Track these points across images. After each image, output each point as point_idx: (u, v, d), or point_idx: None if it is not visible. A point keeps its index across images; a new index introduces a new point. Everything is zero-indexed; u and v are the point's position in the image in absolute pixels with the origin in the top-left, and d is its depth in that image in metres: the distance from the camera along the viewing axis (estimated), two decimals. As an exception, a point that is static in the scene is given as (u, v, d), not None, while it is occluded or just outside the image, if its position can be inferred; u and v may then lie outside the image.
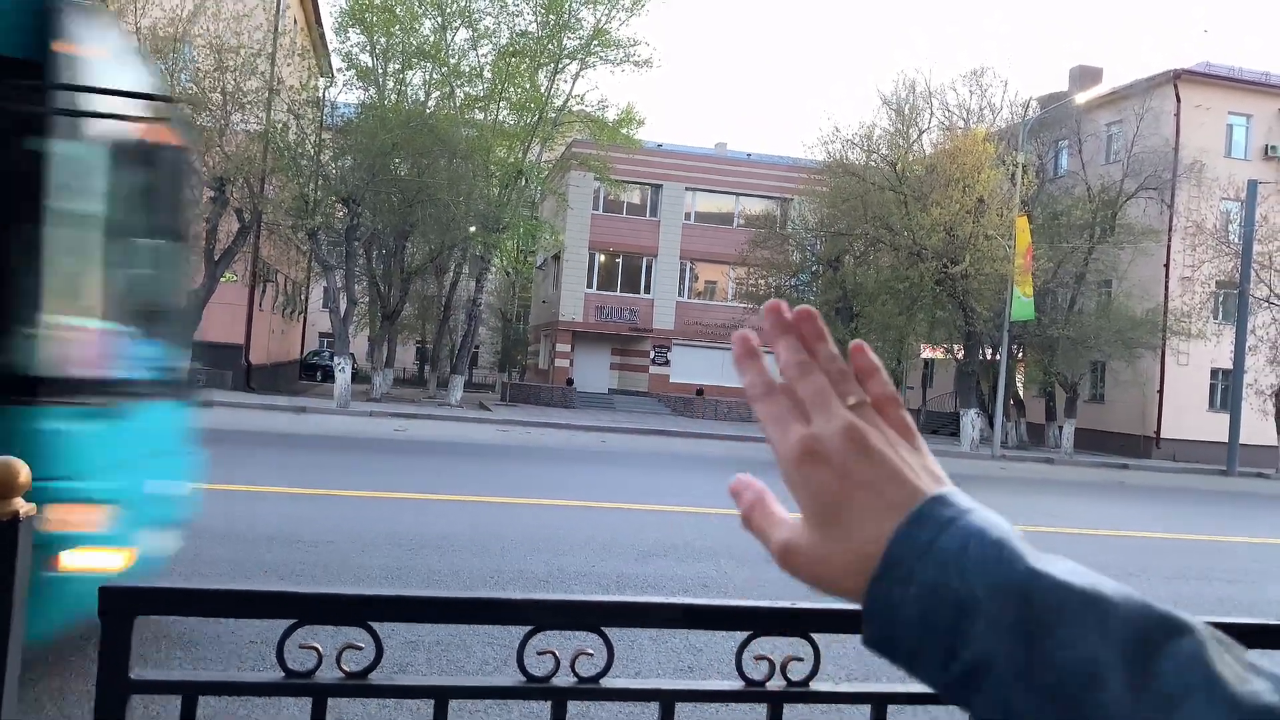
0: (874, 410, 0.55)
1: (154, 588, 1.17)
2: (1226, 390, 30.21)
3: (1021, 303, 25.23)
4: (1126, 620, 0.45)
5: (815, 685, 1.26)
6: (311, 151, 25.89)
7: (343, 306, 25.86)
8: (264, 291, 30.75)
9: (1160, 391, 31.49)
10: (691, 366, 39.14)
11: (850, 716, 4.20)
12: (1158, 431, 31.51)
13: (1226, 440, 27.56)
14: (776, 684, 1.25)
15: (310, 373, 45.21)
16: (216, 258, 22.80)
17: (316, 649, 1.18)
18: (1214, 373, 31.97)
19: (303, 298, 42.25)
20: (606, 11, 29.60)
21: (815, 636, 1.23)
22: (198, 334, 22.93)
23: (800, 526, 0.54)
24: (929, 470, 0.54)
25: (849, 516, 0.52)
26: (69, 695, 3.97)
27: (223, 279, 23.83)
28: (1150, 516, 14.32)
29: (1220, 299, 31.15)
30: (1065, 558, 0.49)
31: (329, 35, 32.54)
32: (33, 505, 1.32)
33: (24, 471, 1.28)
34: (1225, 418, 28.45)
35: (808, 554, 0.54)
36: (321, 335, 50.51)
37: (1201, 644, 0.45)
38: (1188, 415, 31.53)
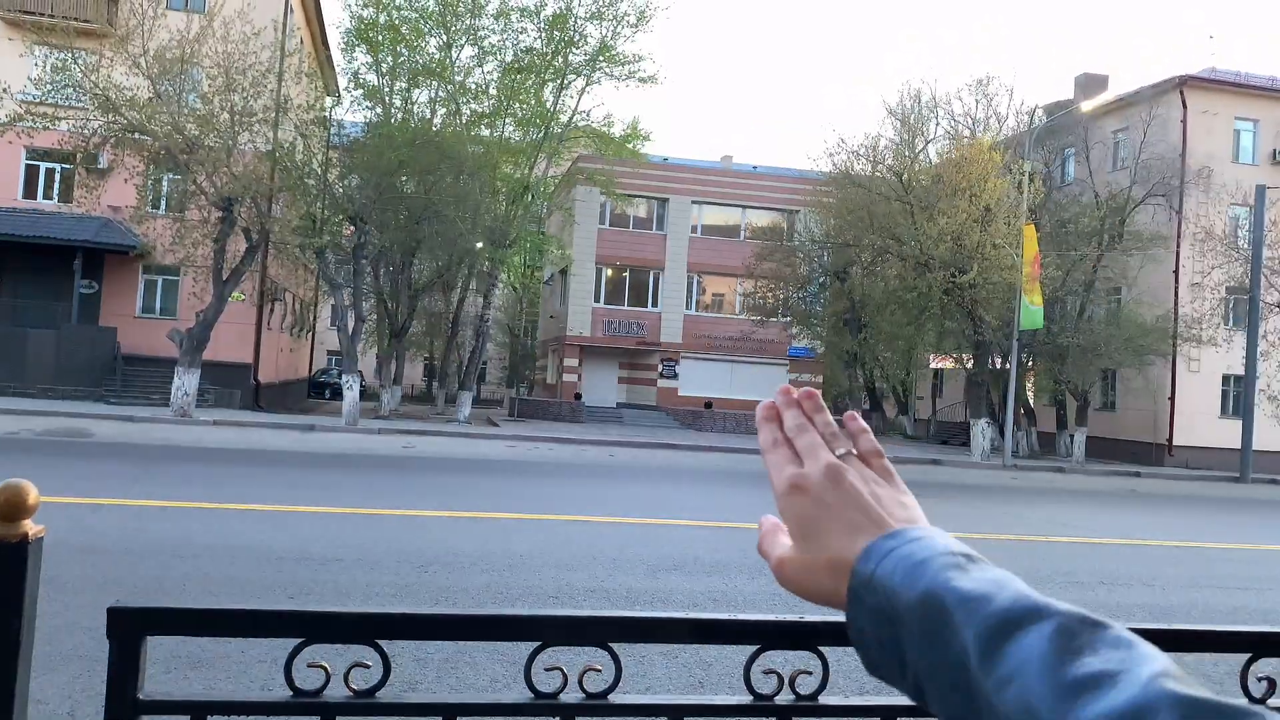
0: (860, 460, 0.68)
1: (162, 608, 1.18)
2: (1239, 396, 30.03)
3: (1030, 311, 25.16)
4: (990, 614, 0.52)
5: (824, 699, 1.25)
6: (319, 170, 26.05)
7: (350, 324, 25.93)
8: (272, 310, 30.87)
9: (1172, 399, 31.34)
10: (700, 379, 39.11)
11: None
12: (1170, 439, 31.35)
13: (1239, 447, 27.39)
14: (785, 698, 1.25)
15: (319, 391, 45.34)
16: (225, 277, 22.91)
17: (324, 668, 1.18)
18: (1226, 379, 31.81)
19: (311, 316, 42.39)
20: (611, 28, 29.75)
21: (824, 650, 1.23)
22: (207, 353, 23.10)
23: (791, 546, 0.67)
24: (900, 503, 0.66)
25: (823, 534, 0.64)
26: (79, 717, 3.97)
27: (231, 298, 23.94)
28: (1163, 524, 14.23)
29: (1231, 305, 31.04)
30: (991, 566, 0.57)
31: (335, 55, 32.83)
32: (42, 527, 1.32)
33: (33, 493, 1.28)
34: (1238, 424, 28.28)
35: (792, 565, 0.66)
36: (330, 353, 50.66)
37: (1056, 628, 0.50)
38: (1200, 422, 31.36)
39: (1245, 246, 29.20)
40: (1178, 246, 30.82)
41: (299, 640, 1.17)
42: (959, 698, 0.52)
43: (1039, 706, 0.47)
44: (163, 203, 25.59)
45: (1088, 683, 0.46)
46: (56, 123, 21.55)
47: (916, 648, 0.55)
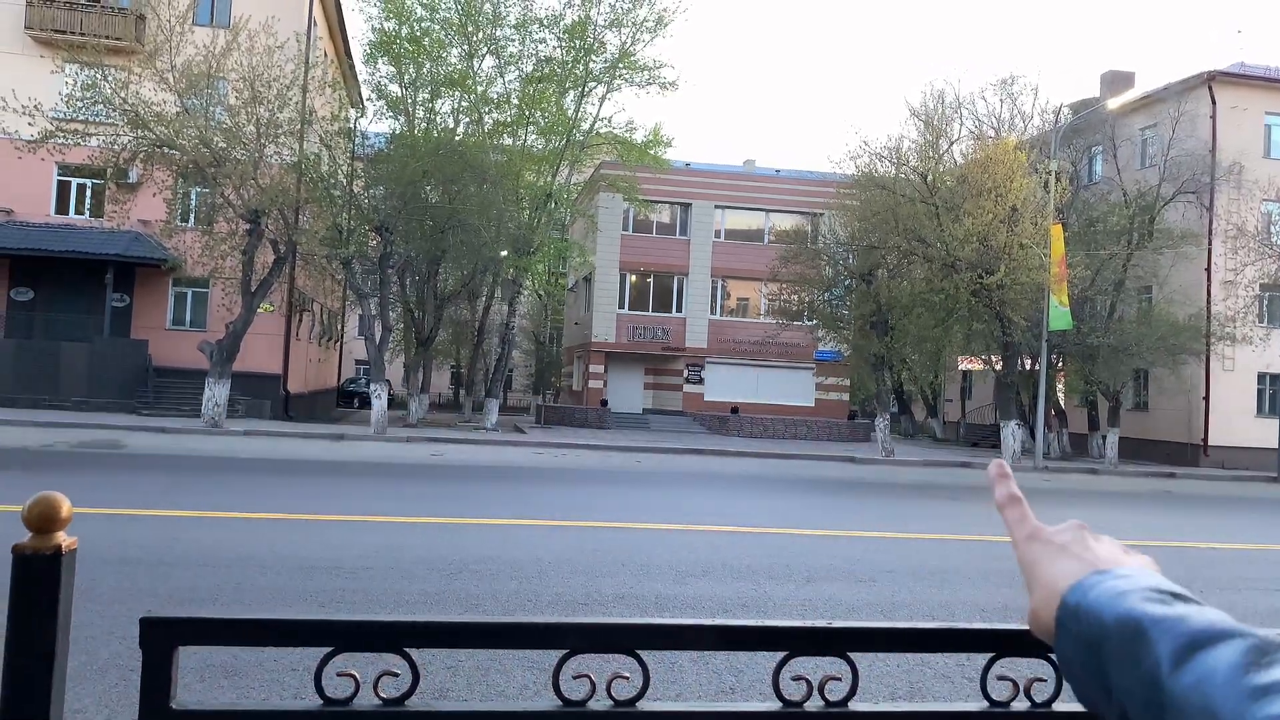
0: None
1: (194, 618, 1.18)
2: (1275, 395, 29.58)
3: (1058, 312, 24.91)
4: (1184, 631, 0.55)
5: (854, 705, 1.24)
6: (344, 181, 26.29)
7: (378, 334, 26.12)
8: (300, 321, 31.17)
9: (1206, 398, 30.89)
10: (725, 384, 39.03)
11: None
12: (1205, 439, 30.89)
13: (1277, 446, 26.96)
14: (814, 704, 1.23)
15: (348, 400, 45.71)
16: (253, 289, 23.15)
17: (354, 677, 1.18)
18: (1261, 377, 31.33)
19: (339, 326, 42.74)
20: (631, 34, 29.81)
21: (853, 656, 1.22)
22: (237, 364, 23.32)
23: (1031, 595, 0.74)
24: (1124, 551, 0.73)
25: (1043, 571, 0.72)
26: (116, 725, 4.01)
27: (260, 310, 24.18)
28: (1200, 526, 14.02)
29: (1265, 302, 30.57)
30: (1198, 602, 0.59)
31: (358, 66, 33.10)
32: (74, 539, 1.34)
33: (65, 505, 1.30)
34: (1275, 423, 27.85)
35: (1031, 611, 0.73)
36: (358, 363, 51.03)
37: (1250, 646, 0.51)
38: (1236, 421, 30.88)
39: (1279, 243, 28.76)
40: (1209, 244, 30.40)
41: (329, 649, 1.18)
42: (1151, 716, 0.53)
43: (1220, 707, 0.48)
44: (191, 216, 25.91)
45: (1271, 689, 0.47)
46: (87, 139, 21.90)
47: (1115, 669, 0.58)
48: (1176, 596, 0.60)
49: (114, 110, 21.90)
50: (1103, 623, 0.60)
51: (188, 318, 28.83)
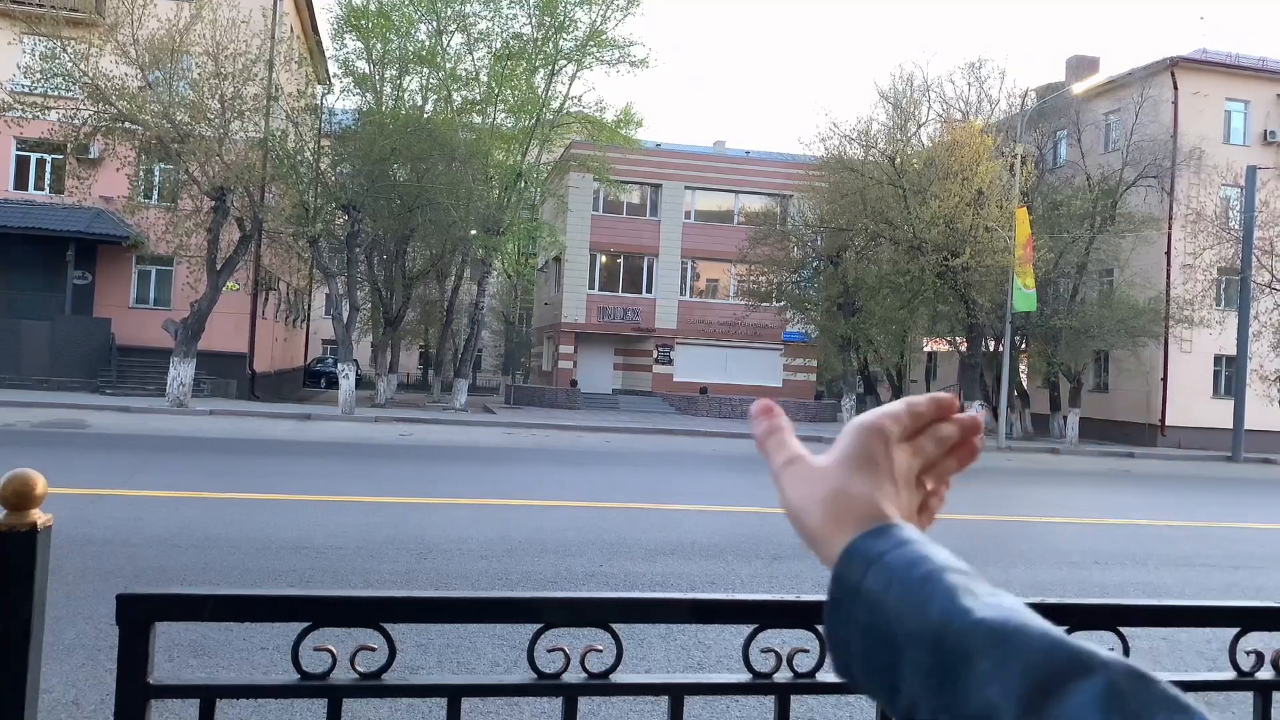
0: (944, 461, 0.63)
1: (170, 594, 1.20)
2: (1231, 377, 30.17)
3: (1023, 294, 25.21)
4: (1029, 664, 0.45)
5: (821, 676, 1.28)
6: (311, 159, 25.95)
7: (345, 313, 25.88)
8: (267, 300, 30.79)
9: (1165, 379, 31.47)
10: (695, 365, 39.14)
11: (856, 707, 4.22)
12: (1163, 419, 31.48)
13: (1231, 427, 27.53)
14: (783, 676, 1.27)
15: (314, 380, 45.30)
16: (218, 267, 22.84)
17: (331, 651, 1.20)
18: (1218, 359, 31.94)
19: (305, 305, 42.29)
20: (601, 12, 29.62)
21: (821, 628, 1.26)
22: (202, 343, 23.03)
23: (819, 458, 0.61)
24: (907, 508, 0.60)
25: (811, 521, 0.59)
26: (84, 705, 3.99)
27: (225, 288, 23.87)
28: (1156, 504, 14.32)
29: (1222, 285, 31.11)
30: (1002, 592, 0.50)
31: (325, 42, 32.64)
32: (50, 516, 1.34)
33: (40, 482, 1.30)
34: (1230, 404, 28.42)
35: (806, 471, 0.61)
36: (325, 342, 50.56)
37: (1106, 688, 0.43)
38: (1193, 403, 31.50)
39: (1236, 227, 29.25)
40: (1169, 228, 30.87)
41: (305, 625, 1.19)
42: None
43: None
44: (155, 193, 25.47)
45: None
46: (46, 112, 21.41)
47: (924, 686, 0.48)
48: (966, 574, 0.52)
49: (74, 83, 21.43)
50: (904, 624, 0.49)
51: (152, 296, 28.40)
